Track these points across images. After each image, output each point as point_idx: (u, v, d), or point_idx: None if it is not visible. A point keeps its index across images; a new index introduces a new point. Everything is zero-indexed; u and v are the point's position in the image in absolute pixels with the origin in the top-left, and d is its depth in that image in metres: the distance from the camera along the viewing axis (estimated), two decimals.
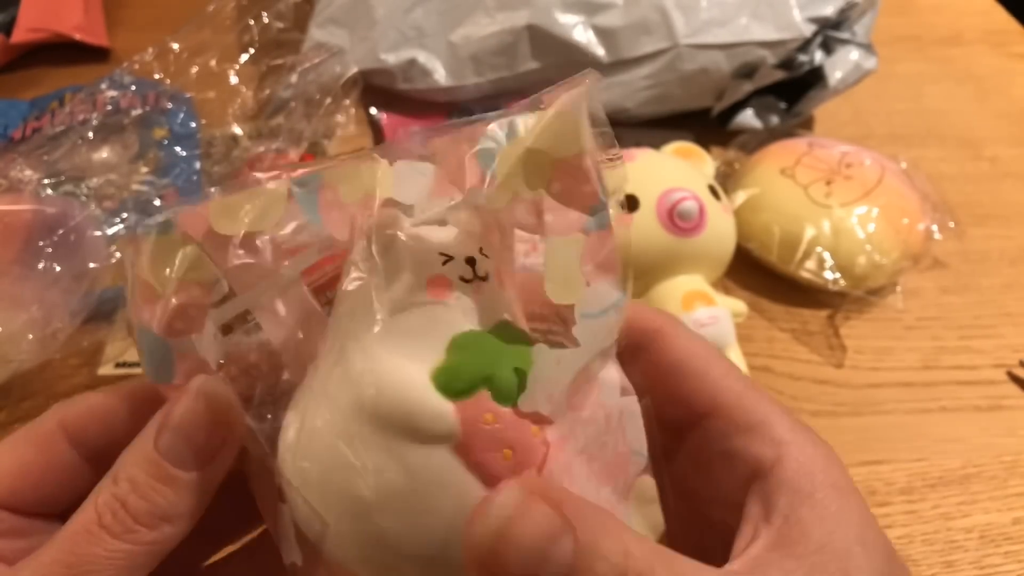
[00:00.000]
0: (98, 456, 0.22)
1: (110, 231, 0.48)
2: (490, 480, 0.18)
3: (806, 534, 0.19)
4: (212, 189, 0.20)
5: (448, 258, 0.20)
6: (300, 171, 0.20)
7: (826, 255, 0.49)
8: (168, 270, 0.20)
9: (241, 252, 0.20)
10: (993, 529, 0.42)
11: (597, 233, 0.20)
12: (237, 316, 0.21)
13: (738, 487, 0.21)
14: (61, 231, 0.46)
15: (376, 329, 0.19)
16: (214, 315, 0.20)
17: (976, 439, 0.45)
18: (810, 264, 0.49)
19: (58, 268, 0.45)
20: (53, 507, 0.22)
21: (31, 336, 0.43)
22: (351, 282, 0.20)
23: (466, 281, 0.20)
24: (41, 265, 0.45)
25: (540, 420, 0.19)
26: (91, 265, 0.46)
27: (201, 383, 0.20)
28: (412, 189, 0.20)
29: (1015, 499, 0.43)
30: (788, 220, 0.50)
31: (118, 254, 0.48)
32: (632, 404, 0.21)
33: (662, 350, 0.22)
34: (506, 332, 0.20)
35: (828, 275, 0.49)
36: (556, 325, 0.21)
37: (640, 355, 0.23)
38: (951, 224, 0.53)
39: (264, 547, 0.25)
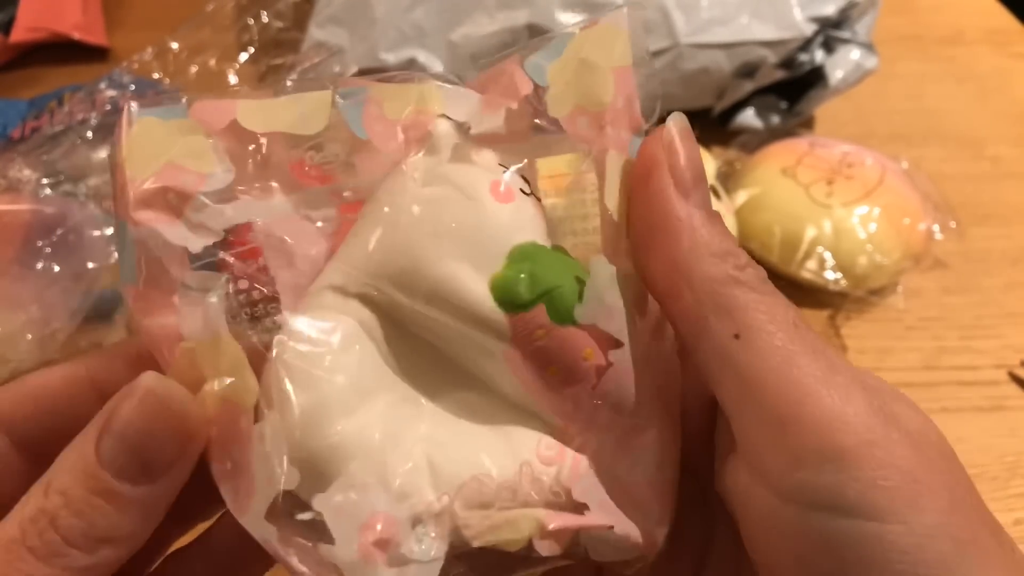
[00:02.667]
0: (37, 449, 0.19)
1: (109, 231, 0.48)
2: (535, 393, 0.19)
3: None
4: (237, 89, 0.18)
5: (506, 168, 0.19)
6: (343, 83, 0.19)
7: (827, 255, 0.49)
8: (161, 153, 0.18)
9: (261, 155, 0.18)
10: None
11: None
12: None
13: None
14: (60, 231, 0.46)
15: (435, 232, 0.18)
16: (199, 203, 0.18)
17: (977, 440, 0.45)
18: (811, 264, 0.49)
19: (57, 268, 0.45)
20: None
21: (30, 336, 0.43)
22: (402, 186, 0.19)
23: (525, 194, 0.19)
24: (40, 265, 0.44)
25: (604, 338, 0.19)
26: (90, 265, 0.46)
27: (151, 382, 0.17)
28: (463, 107, 0.20)
29: (1017, 500, 0.43)
30: (789, 220, 0.50)
31: (116, 254, 0.48)
32: None
33: None
34: (563, 253, 0.20)
35: (829, 275, 0.49)
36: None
37: None
38: (952, 224, 0.53)
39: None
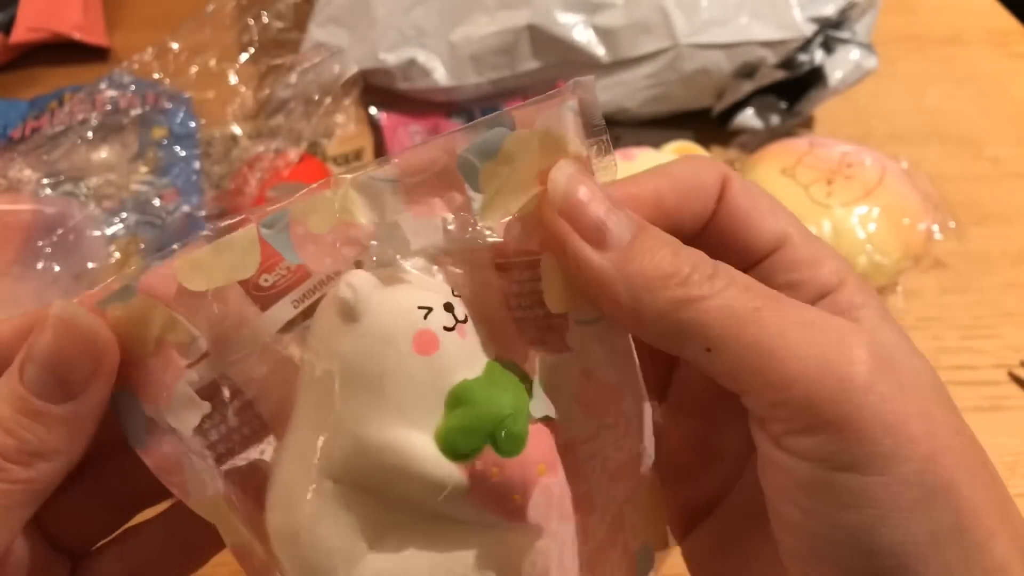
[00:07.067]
0: None
1: (109, 231, 0.48)
2: (508, 519, 0.20)
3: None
4: (175, 246, 0.19)
5: (428, 310, 0.19)
6: (262, 213, 0.19)
7: None
8: (144, 332, 0.19)
9: (216, 307, 0.19)
10: None
11: None
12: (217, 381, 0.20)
13: None
14: (60, 231, 0.46)
15: (371, 400, 0.19)
16: (187, 377, 0.19)
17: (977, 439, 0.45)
18: None
19: (57, 268, 0.45)
20: None
21: None
22: (327, 362, 0.19)
23: (449, 330, 0.19)
24: (40, 265, 0.45)
25: (550, 427, 0.20)
26: (90, 265, 0.46)
27: (59, 309, 0.18)
28: (384, 208, 0.20)
29: (1017, 500, 0.42)
30: None
31: (116, 254, 0.48)
32: (648, 409, 0.22)
33: (732, 195, 0.22)
34: (497, 371, 0.20)
35: None
36: (550, 332, 0.21)
37: (706, 201, 0.23)
38: (952, 224, 0.53)
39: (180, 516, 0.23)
